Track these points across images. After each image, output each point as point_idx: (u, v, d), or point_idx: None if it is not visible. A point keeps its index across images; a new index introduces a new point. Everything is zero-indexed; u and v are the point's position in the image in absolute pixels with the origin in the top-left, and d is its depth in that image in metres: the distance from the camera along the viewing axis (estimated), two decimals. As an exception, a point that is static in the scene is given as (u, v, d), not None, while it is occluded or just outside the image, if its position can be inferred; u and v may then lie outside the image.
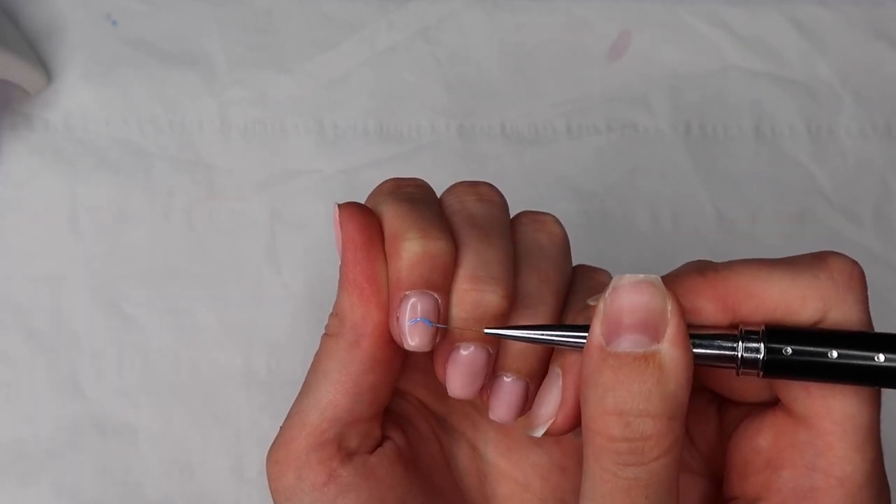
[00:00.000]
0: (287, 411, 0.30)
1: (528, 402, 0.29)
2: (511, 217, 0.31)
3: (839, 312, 0.26)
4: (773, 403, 0.29)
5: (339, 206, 0.29)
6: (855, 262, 0.27)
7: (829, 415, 0.27)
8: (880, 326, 0.27)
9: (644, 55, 0.48)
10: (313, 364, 0.30)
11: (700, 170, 0.47)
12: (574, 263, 0.32)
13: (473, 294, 0.28)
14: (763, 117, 0.48)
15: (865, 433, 0.26)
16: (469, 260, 0.28)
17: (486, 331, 0.28)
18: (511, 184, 0.33)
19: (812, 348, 0.26)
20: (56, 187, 0.45)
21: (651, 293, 0.25)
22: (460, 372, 0.28)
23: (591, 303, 0.27)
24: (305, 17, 0.48)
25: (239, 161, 0.46)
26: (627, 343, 0.25)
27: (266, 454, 0.30)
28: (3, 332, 0.44)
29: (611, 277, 0.32)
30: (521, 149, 0.47)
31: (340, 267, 0.29)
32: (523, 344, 0.29)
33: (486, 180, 0.31)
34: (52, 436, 0.43)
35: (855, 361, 0.25)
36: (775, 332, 0.26)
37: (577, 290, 0.30)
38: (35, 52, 0.46)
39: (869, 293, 0.27)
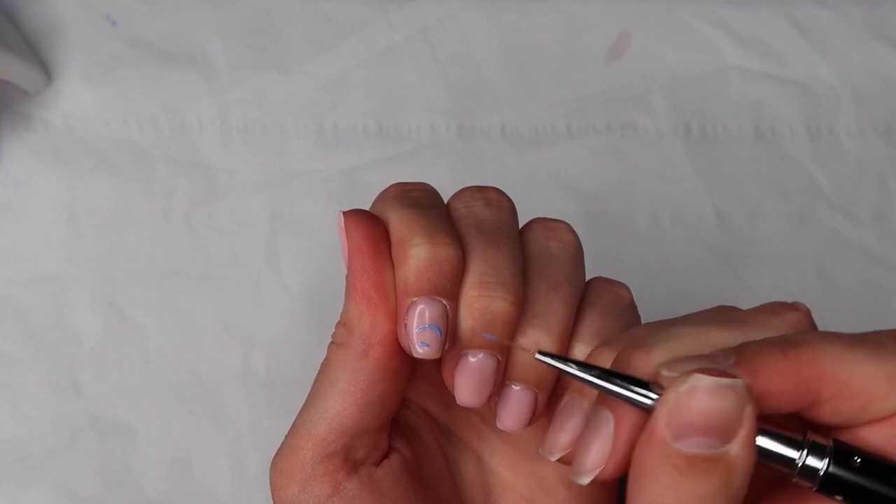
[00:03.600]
0: (287, 411, 0.30)
1: (536, 412, 0.29)
2: (524, 224, 0.31)
3: None
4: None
5: (344, 213, 0.28)
6: None
7: None
8: (882, 327, 0.26)
9: (644, 55, 0.48)
10: (320, 373, 0.29)
11: (700, 170, 0.47)
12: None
13: (482, 300, 0.28)
14: (763, 117, 0.48)
15: None
16: (477, 265, 0.28)
17: (538, 357, 0.26)
18: (511, 184, 0.33)
19: (876, 482, 0.24)
20: (56, 188, 0.45)
21: (733, 398, 0.23)
22: (469, 380, 0.28)
23: (665, 373, 0.24)
24: (305, 18, 0.48)
25: (239, 161, 0.46)
26: (696, 444, 0.23)
27: (266, 455, 0.30)
28: (3, 332, 0.44)
29: (629, 292, 0.31)
30: (521, 149, 0.47)
31: (347, 275, 0.28)
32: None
33: (486, 181, 0.31)
34: (52, 436, 0.43)
35: None
36: (842, 452, 0.24)
37: (592, 302, 0.30)
38: (35, 52, 0.46)
39: (869, 294, 0.26)
